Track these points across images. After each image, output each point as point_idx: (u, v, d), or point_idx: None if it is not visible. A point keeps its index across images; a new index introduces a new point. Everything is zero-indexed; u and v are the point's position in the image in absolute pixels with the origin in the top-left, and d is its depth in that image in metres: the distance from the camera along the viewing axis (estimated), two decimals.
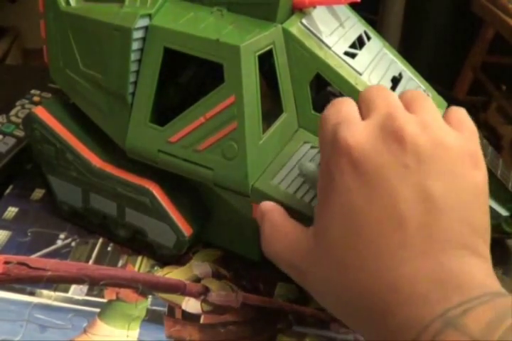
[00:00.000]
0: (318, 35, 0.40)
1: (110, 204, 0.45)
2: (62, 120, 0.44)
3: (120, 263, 0.47)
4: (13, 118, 0.56)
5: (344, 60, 0.40)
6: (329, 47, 0.40)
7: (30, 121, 0.44)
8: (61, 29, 0.41)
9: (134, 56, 0.39)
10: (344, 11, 0.44)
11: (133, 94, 0.41)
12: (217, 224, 0.47)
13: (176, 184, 0.44)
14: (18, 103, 0.58)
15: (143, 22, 0.39)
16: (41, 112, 0.44)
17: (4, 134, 0.54)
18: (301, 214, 0.39)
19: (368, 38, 0.45)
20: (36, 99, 0.59)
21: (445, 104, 0.48)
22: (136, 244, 0.47)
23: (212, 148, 0.39)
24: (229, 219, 0.45)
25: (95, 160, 0.44)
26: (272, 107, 0.42)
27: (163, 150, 0.41)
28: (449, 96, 0.50)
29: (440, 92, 0.48)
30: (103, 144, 0.45)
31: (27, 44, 1.40)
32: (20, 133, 0.54)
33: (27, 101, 0.58)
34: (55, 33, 0.42)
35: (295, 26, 0.39)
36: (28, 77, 0.62)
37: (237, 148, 0.39)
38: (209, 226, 0.47)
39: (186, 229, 0.44)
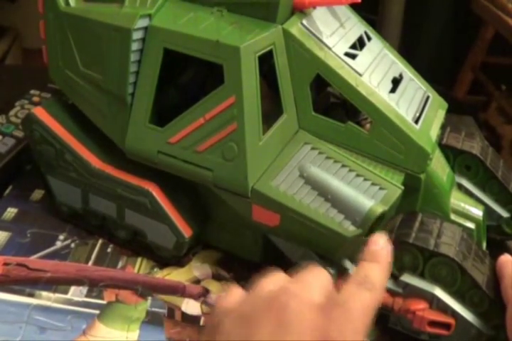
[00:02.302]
0: (319, 35, 0.40)
1: (110, 206, 0.45)
2: (62, 121, 0.44)
3: (120, 265, 0.46)
4: (13, 119, 0.56)
5: (344, 61, 0.40)
6: (329, 48, 0.40)
7: (30, 121, 0.44)
8: (60, 29, 0.41)
9: (133, 57, 0.39)
10: (344, 11, 0.44)
11: (132, 94, 0.40)
12: (217, 225, 0.46)
13: (176, 185, 0.43)
14: (17, 103, 0.58)
15: (142, 22, 0.38)
16: (40, 113, 0.44)
17: (4, 135, 0.54)
18: (300, 216, 0.39)
19: (369, 39, 0.45)
20: (36, 99, 0.58)
21: (445, 105, 0.48)
22: (136, 245, 0.47)
23: (212, 149, 0.39)
24: (229, 221, 0.45)
25: (95, 161, 0.44)
26: (272, 108, 0.41)
27: (163, 151, 0.41)
28: (449, 96, 0.50)
29: (440, 92, 0.48)
30: (103, 145, 0.44)
31: (27, 44, 1.39)
32: (20, 134, 0.54)
33: (26, 102, 0.58)
34: (54, 34, 0.41)
35: (295, 27, 0.39)
36: (28, 77, 0.62)
37: (237, 149, 0.38)
38: (209, 228, 0.46)
39: (186, 231, 0.44)
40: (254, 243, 0.46)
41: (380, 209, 0.39)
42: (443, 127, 0.48)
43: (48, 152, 0.45)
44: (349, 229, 0.38)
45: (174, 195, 0.44)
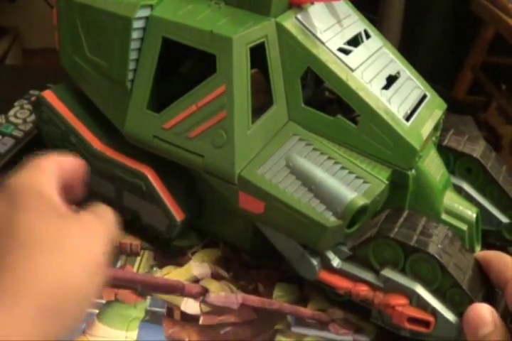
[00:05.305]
0: (312, 30, 0.41)
1: (109, 187, 0.47)
2: (69, 104, 0.47)
3: (119, 264, 0.47)
4: (12, 119, 0.56)
5: (337, 56, 0.41)
6: (322, 43, 0.41)
7: (39, 103, 0.47)
8: (70, 17, 0.43)
9: (133, 44, 0.41)
10: (345, 9, 0.45)
11: (132, 81, 0.43)
12: (210, 212, 0.48)
13: (172, 170, 0.45)
14: (16, 103, 0.58)
15: (144, 12, 0.41)
16: (49, 96, 0.47)
17: (3, 135, 0.54)
18: (283, 205, 0.40)
19: (368, 37, 0.45)
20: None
21: (445, 105, 0.48)
22: (134, 227, 0.49)
23: (202, 135, 0.41)
24: (220, 208, 0.46)
25: (96, 144, 0.46)
26: (268, 100, 0.43)
27: (158, 136, 0.42)
28: (449, 96, 0.50)
29: (440, 92, 0.48)
30: (105, 128, 0.47)
31: (27, 44, 1.42)
32: (19, 134, 0.54)
33: (26, 102, 0.58)
34: (65, 21, 0.44)
35: (289, 21, 0.41)
36: (28, 78, 0.63)
37: (226, 136, 0.40)
38: (203, 214, 0.48)
39: (178, 214, 0.45)
40: (244, 231, 0.47)
41: (361, 202, 0.39)
42: (440, 128, 0.48)
43: (54, 133, 0.47)
44: (330, 219, 0.39)
45: (169, 179, 0.45)
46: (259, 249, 0.48)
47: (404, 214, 0.43)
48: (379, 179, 0.41)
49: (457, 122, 0.51)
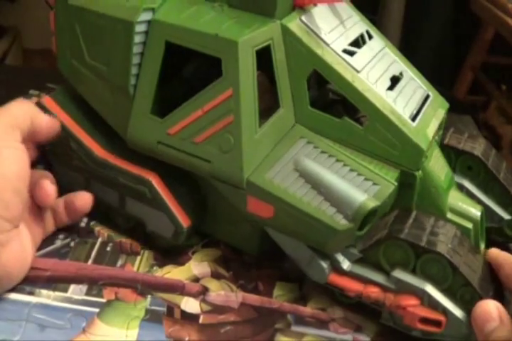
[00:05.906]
0: (317, 32, 0.41)
1: (112, 194, 0.46)
2: (68, 110, 0.46)
3: (119, 263, 0.46)
4: None
5: (342, 58, 0.41)
6: (327, 45, 0.41)
7: None
8: (68, 21, 0.42)
9: (136, 49, 0.40)
10: (347, 10, 0.45)
11: (135, 86, 0.42)
12: (216, 217, 0.47)
13: (176, 175, 0.44)
14: None
15: (146, 16, 0.40)
16: (48, 102, 0.46)
17: None
18: (293, 208, 0.39)
19: (370, 37, 0.45)
20: (35, 99, 0.57)
21: (446, 104, 0.48)
22: (137, 234, 0.48)
23: (209, 140, 0.40)
24: (227, 213, 0.46)
25: (98, 150, 0.45)
26: (274, 103, 0.42)
27: (163, 141, 0.42)
28: (449, 96, 0.50)
29: (440, 92, 0.48)
30: (106, 134, 0.46)
31: (27, 44, 1.41)
32: None
33: None
34: (63, 25, 0.43)
35: (294, 23, 0.40)
36: (27, 77, 0.62)
37: (233, 141, 0.39)
38: (208, 220, 0.47)
39: (184, 220, 0.45)
40: (251, 236, 0.47)
41: (371, 204, 0.39)
42: (444, 127, 0.48)
43: (54, 139, 0.46)
44: (340, 222, 0.39)
45: (174, 185, 0.45)
46: (266, 253, 0.47)
47: (413, 215, 0.43)
48: (388, 180, 0.41)
49: (456, 121, 0.51)
